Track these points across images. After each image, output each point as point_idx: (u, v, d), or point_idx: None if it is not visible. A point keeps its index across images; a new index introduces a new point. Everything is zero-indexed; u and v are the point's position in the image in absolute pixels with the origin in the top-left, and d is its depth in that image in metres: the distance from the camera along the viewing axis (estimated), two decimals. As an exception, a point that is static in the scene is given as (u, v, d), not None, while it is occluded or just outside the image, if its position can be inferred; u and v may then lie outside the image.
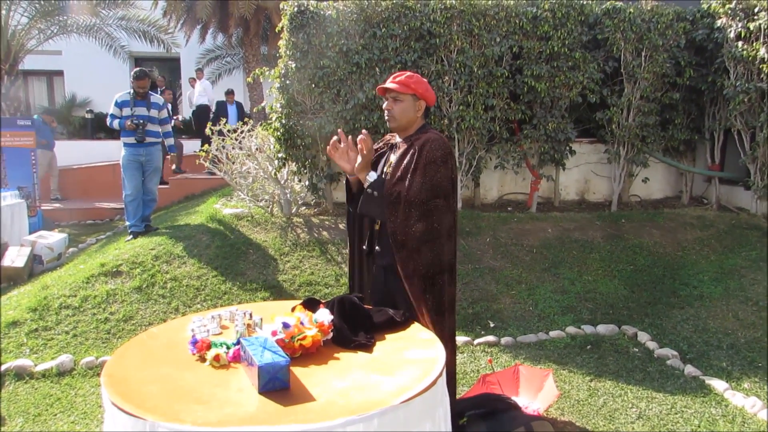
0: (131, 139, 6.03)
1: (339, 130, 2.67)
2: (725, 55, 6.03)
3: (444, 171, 2.50)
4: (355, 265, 2.86)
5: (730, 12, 6.03)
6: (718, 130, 6.50)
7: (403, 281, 2.50)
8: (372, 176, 2.56)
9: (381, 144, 2.79)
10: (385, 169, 2.65)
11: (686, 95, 6.49)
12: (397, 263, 2.50)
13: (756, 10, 5.81)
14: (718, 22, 6.15)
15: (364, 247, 2.75)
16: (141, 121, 6.00)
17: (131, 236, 6.13)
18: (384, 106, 2.63)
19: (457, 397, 3.18)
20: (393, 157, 2.63)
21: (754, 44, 5.80)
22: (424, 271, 2.48)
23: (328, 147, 2.64)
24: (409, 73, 2.61)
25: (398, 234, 2.47)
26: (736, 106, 5.96)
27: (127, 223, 6.28)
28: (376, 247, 2.66)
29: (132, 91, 6.12)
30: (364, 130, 2.57)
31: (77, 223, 9.44)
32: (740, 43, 5.90)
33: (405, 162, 2.51)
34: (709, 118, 6.56)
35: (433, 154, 2.48)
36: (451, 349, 2.63)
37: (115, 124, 6.11)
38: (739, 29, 5.90)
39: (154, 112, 6.17)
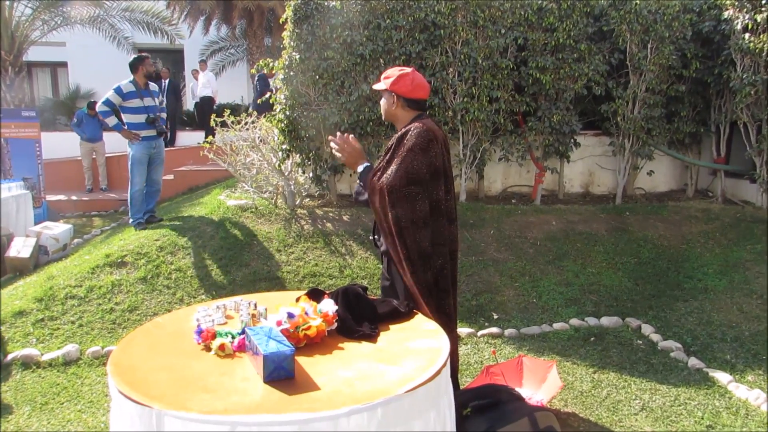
0: (152, 132, 5.98)
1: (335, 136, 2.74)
2: (732, 47, 5.98)
3: (422, 158, 2.53)
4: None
5: (737, 3, 5.98)
6: (724, 123, 6.47)
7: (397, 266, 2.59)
8: (360, 168, 2.65)
9: (393, 140, 2.84)
10: None
11: (692, 87, 6.45)
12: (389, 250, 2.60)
13: (763, 1, 5.75)
14: (725, 14, 6.10)
15: (371, 237, 2.84)
16: (154, 115, 5.97)
17: (141, 227, 6.09)
18: None
19: (461, 388, 3.20)
20: None
21: (761, 36, 5.75)
22: (409, 254, 2.55)
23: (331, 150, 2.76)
24: (388, 69, 2.76)
25: (383, 221, 2.56)
26: (742, 99, 5.92)
27: (131, 220, 6.23)
28: (376, 235, 2.78)
29: (134, 79, 5.97)
30: (339, 134, 2.70)
31: (81, 214, 9.48)
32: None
33: (390, 152, 2.60)
34: (715, 110, 6.52)
35: (411, 142, 2.54)
36: None
37: (109, 121, 5.98)
38: (746, 21, 5.85)
39: (157, 101, 6.16)
